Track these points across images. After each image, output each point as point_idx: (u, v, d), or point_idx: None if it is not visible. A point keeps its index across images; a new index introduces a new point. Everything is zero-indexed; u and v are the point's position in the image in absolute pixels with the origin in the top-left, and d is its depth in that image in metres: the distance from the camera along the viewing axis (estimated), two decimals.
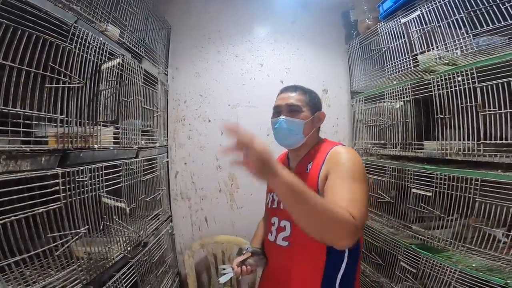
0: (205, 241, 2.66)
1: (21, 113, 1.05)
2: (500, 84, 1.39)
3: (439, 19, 1.70)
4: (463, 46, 1.60)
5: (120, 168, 1.65)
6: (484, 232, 1.53)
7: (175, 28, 2.77)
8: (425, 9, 1.78)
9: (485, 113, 1.46)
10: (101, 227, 1.46)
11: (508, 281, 1.32)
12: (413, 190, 1.90)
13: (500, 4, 1.38)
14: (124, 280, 1.59)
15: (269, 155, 0.88)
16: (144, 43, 2.07)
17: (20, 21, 1.03)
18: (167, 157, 2.67)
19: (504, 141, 1.41)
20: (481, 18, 1.46)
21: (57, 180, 1.15)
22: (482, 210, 1.50)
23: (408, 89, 1.99)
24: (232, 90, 2.83)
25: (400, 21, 2.01)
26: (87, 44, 1.34)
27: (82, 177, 1.28)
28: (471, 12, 1.50)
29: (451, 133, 1.67)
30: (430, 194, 1.76)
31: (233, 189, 2.83)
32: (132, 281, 1.68)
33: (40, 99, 1.13)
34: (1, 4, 0.97)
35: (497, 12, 1.40)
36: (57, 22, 1.19)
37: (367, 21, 2.52)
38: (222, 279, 1.41)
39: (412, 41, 1.93)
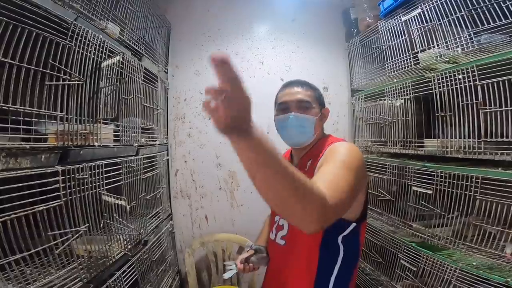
0: (205, 239, 2.66)
1: (21, 110, 1.05)
2: (500, 82, 1.39)
3: (440, 17, 1.70)
4: (464, 44, 1.59)
5: (120, 166, 1.65)
6: (485, 230, 1.53)
7: (175, 26, 2.76)
8: (425, 7, 1.78)
9: (485, 110, 1.46)
10: (102, 225, 1.45)
11: (509, 279, 1.32)
12: (414, 188, 1.90)
13: (501, 2, 1.38)
14: (125, 278, 1.59)
15: (250, 108, 0.70)
16: (144, 41, 2.07)
17: (20, 19, 1.03)
18: (167, 155, 2.67)
19: (504, 139, 1.41)
20: (482, 16, 1.46)
21: (57, 178, 1.15)
22: (482, 208, 1.50)
23: (409, 87, 1.98)
24: None
25: (400, 19, 2.00)
26: (87, 41, 1.34)
27: (82, 175, 1.28)
28: (472, 10, 1.49)
29: (451, 131, 1.67)
30: (430, 192, 1.76)
31: (233, 187, 2.83)
32: (133, 280, 1.68)
33: (40, 97, 1.13)
34: (1, 2, 0.97)
35: (498, 10, 1.40)
36: (57, 20, 1.18)
37: (368, 19, 2.52)
38: (226, 275, 1.42)
39: (413, 39, 1.93)
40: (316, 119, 1.33)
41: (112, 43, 1.58)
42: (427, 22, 1.79)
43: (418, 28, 1.86)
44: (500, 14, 1.39)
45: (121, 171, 1.65)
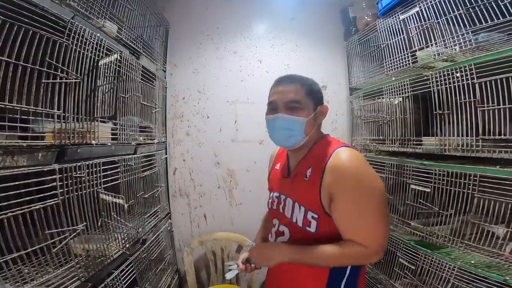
0: (204, 238, 2.66)
1: (18, 108, 1.05)
2: (498, 80, 1.39)
3: (438, 16, 1.70)
4: (462, 43, 1.59)
5: (118, 164, 1.65)
6: (483, 229, 1.54)
7: (173, 24, 2.75)
8: (423, 5, 1.78)
9: (483, 108, 1.46)
10: (99, 224, 1.45)
11: (507, 278, 1.32)
12: (412, 186, 1.90)
13: (499, 0, 1.38)
14: (123, 277, 1.59)
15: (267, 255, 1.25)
16: (142, 39, 2.06)
17: (17, 17, 1.03)
18: (166, 154, 2.66)
19: (502, 137, 1.41)
20: (479, 14, 1.46)
21: (54, 176, 1.15)
22: (480, 206, 1.50)
23: (407, 85, 1.99)
24: (231, 87, 2.82)
25: (399, 18, 2.00)
26: (84, 40, 1.33)
27: (79, 173, 1.27)
28: (470, 9, 1.49)
29: (449, 129, 1.67)
30: (428, 190, 1.76)
31: (232, 185, 2.82)
32: (131, 279, 1.68)
33: (37, 95, 1.12)
34: None
35: (496, 9, 1.39)
36: (54, 18, 1.18)
37: (366, 17, 2.52)
38: (228, 275, 1.38)
39: (411, 38, 1.93)
40: (306, 120, 1.23)
41: (109, 42, 1.57)
42: (425, 20, 1.79)
43: (416, 27, 1.86)
44: (498, 13, 1.39)
45: (119, 169, 1.64)
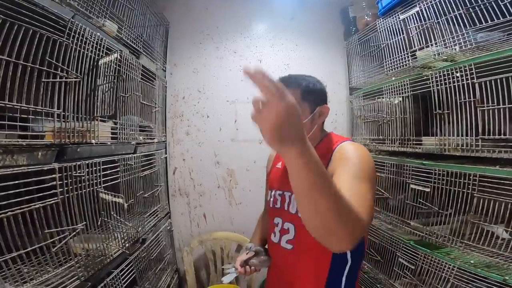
0: (204, 238, 2.66)
1: (18, 107, 1.05)
2: (498, 80, 1.39)
3: (438, 15, 1.70)
4: (462, 42, 1.59)
5: (118, 164, 1.65)
6: (483, 228, 1.54)
7: (174, 24, 2.75)
8: (423, 5, 1.78)
9: (483, 108, 1.46)
10: (99, 223, 1.45)
11: (506, 278, 1.32)
12: (412, 186, 1.90)
13: (499, 0, 1.38)
14: (123, 277, 1.59)
15: (299, 115, 0.66)
16: (142, 39, 2.06)
17: (17, 17, 1.03)
18: (166, 153, 2.66)
19: (502, 137, 1.42)
20: (479, 14, 1.46)
21: (54, 175, 1.15)
22: (480, 206, 1.50)
23: (407, 85, 1.98)
24: (231, 86, 2.82)
25: (399, 18, 2.00)
26: (84, 39, 1.33)
27: (79, 172, 1.27)
28: (470, 9, 1.49)
29: (449, 129, 1.67)
30: (428, 190, 1.76)
31: (231, 185, 2.83)
32: (131, 278, 1.68)
33: (37, 94, 1.12)
34: None
35: (496, 8, 1.40)
36: (54, 17, 1.18)
37: (366, 17, 2.52)
38: (226, 279, 1.36)
39: (411, 37, 1.93)
40: (304, 123, 1.15)
41: (109, 41, 1.57)
42: (425, 20, 1.79)
43: (416, 27, 1.86)
44: (498, 12, 1.39)
45: (118, 169, 1.64)
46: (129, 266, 1.68)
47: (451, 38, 1.65)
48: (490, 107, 1.43)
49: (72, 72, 1.26)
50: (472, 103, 1.51)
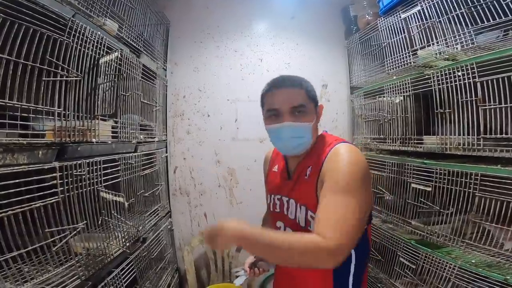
0: None
1: (19, 106, 1.04)
2: (500, 79, 1.38)
3: (439, 15, 1.69)
4: (463, 42, 1.59)
5: (119, 163, 1.64)
6: (484, 228, 1.53)
7: (174, 23, 2.75)
8: (425, 4, 1.77)
9: (485, 107, 1.46)
10: (100, 222, 1.45)
11: (508, 277, 1.32)
12: (413, 185, 1.90)
13: (501, 0, 1.37)
14: (123, 276, 1.59)
15: (226, 233, 1.04)
16: (142, 38, 2.06)
17: (17, 15, 1.02)
18: (166, 152, 2.66)
19: (504, 136, 1.41)
20: (481, 13, 1.45)
21: (54, 174, 1.14)
22: (481, 206, 1.50)
23: (408, 84, 1.98)
24: (231, 85, 2.82)
25: (400, 17, 1.99)
26: (85, 38, 1.33)
27: (80, 171, 1.27)
28: (471, 8, 1.49)
29: (450, 128, 1.67)
30: (429, 189, 1.76)
31: (232, 184, 2.83)
32: (131, 277, 1.68)
33: (37, 93, 1.12)
34: None
35: (498, 8, 1.39)
36: (54, 16, 1.17)
37: (367, 16, 2.51)
38: (238, 282, 1.36)
39: (412, 37, 1.92)
40: (313, 124, 1.18)
41: (110, 40, 1.57)
42: (426, 19, 1.78)
43: (418, 26, 1.86)
44: (500, 12, 1.38)
45: (119, 168, 1.64)
46: (129, 265, 1.68)
47: (452, 37, 1.65)
48: (492, 106, 1.43)
49: (73, 71, 1.25)
50: (474, 102, 1.51)
